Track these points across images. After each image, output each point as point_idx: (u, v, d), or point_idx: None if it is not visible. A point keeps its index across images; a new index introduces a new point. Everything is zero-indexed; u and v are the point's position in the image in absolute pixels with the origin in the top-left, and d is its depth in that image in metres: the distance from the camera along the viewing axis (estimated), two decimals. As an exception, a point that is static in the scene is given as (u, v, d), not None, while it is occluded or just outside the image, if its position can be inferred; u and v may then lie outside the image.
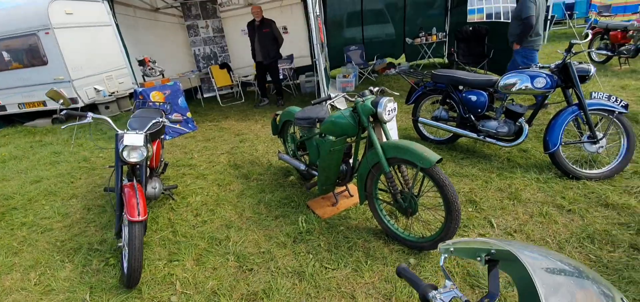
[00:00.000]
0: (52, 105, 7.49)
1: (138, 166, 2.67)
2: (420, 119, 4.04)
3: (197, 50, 8.54)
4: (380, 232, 2.52)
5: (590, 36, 3.69)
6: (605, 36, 6.85)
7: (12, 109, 7.78)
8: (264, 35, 5.54)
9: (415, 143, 2.19)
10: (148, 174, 3.00)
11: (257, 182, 3.60)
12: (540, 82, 3.05)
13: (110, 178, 2.96)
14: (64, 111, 2.71)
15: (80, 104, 7.41)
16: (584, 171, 2.93)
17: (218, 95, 7.75)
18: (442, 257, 0.94)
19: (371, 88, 2.55)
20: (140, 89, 5.52)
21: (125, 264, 2.34)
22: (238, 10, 8.94)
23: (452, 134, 3.83)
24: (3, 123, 8.00)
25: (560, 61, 3.01)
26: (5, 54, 7.39)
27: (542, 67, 3.17)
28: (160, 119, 2.85)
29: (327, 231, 2.63)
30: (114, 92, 8.17)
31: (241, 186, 3.56)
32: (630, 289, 1.85)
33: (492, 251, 0.80)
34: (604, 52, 6.88)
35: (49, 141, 6.24)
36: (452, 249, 0.87)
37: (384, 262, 2.25)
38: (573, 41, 2.96)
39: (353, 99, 2.44)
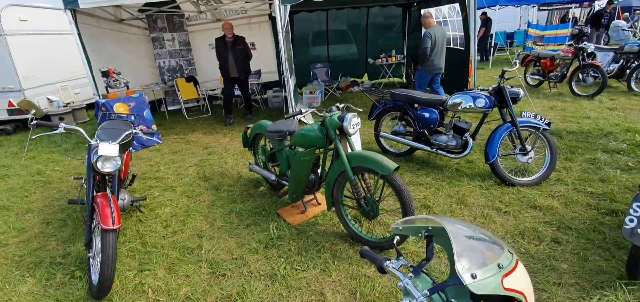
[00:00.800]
0: (2, 115, 7.00)
1: (109, 177, 2.70)
2: (381, 133, 4.40)
3: (162, 62, 8.43)
4: (346, 236, 2.76)
5: (517, 65, 4.31)
6: (538, 63, 7.83)
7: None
8: (238, 52, 5.69)
9: (376, 154, 2.47)
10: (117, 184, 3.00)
11: (227, 193, 3.70)
12: (481, 102, 3.52)
13: (79, 190, 2.93)
14: (34, 122, 2.67)
15: (30, 115, 6.97)
16: (517, 178, 3.41)
17: (183, 109, 7.69)
18: (395, 238, 1.19)
19: (337, 104, 2.82)
20: (103, 101, 5.39)
21: (94, 276, 2.35)
22: (206, 24, 9.01)
23: (409, 147, 4.22)
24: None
25: (496, 85, 3.51)
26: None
27: (482, 90, 3.66)
28: (133, 131, 2.90)
29: (297, 237, 2.81)
30: (69, 103, 7.79)
31: (211, 197, 3.64)
32: (551, 274, 2.23)
33: (429, 228, 1.06)
34: (537, 77, 7.85)
35: (-5, 154, 5.81)
36: (401, 228, 1.12)
37: (349, 261, 2.48)
38: (505, 69, 3.49)
39: (321, 114, 2.69)
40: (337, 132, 2.61)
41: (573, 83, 6.99)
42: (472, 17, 5.98)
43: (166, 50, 8.43)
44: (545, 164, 3.42)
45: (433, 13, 6.24)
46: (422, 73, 5.82)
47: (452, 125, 3.83)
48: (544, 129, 3.37)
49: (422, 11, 6.10)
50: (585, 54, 6.90)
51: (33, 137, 2.60)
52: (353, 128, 2.54)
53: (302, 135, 2.78)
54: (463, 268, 0.87)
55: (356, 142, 3.11)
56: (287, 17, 5.64)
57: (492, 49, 12.08)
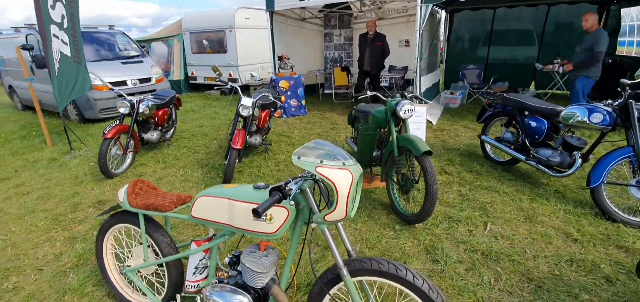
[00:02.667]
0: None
1: (248, 120, 4.12)
2: (482, 136, 4.23)
3: (328, 53, 10.19)
4: (386, 205, 3.16)
5: None
6: None
7: (199, 80, 11.21)
8: (376, 48, 6.45)
9: (418, 138, 2.78)
10: (254, 129, 4.44)
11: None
12: (597, 118, 2.97)
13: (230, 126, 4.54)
14: (219, 79, 4.40)
15: (239, 83, 10.09)
16: (624, 214, 2.75)
17: (333, 93, 9.14)
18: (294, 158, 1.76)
19: (406, 93, 3.20)
20: (274, 78, 7.36)
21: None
22: (396, 18, 10.13)
23: (511, 157, 3.90)
24: (192, 89, 11.56)
25: (622, 99, 2.87)
26: (205, 42, 10.76)
27: (608, 104, 3.03)
28: (268, 96, 4.26)
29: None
30: (262, 79, 10.66)
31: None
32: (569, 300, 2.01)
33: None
34: None
35: (214, 105, 8.92)
36: (297, 157, 1.62)
37: (374, 222, 2.93)
38: (623, 81, 2.79)
39: (387, 99, 3.16)
40: (394, 115, 3.03)
41: None
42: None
43: (333, 44, 10.12)
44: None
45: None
46: (587, 81, 5.01)
47: (562, 140, 3.35)
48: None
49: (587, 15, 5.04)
50: None
51: (216, 93, 4.27)
52: (404, 113, 2.90)
53: (372, 115, 3.34)
54: (296, 154, 1.40)
55: (418, 130, 3.37)
56: (427, 15, 5.90)
57: None
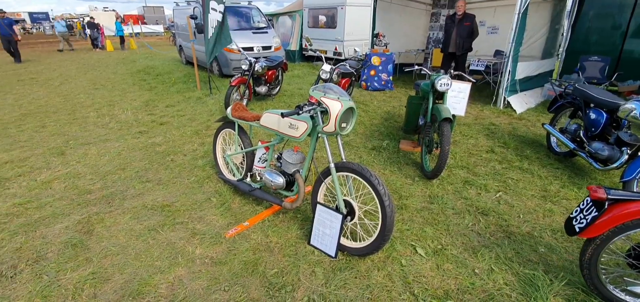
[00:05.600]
0: (330, 54, 11.74)
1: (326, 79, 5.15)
2: (546, 125, 4.22)
3: (432, 34, 10.27)
4: (417, 163, 3.78)
5: None
6: None
7: (310, 52, 12.74)
8: (464, 28, 6.45)
9: (446, 108, 3.32)
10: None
11: (388, 126, 5.34)
12: (649, 113, 2.89)
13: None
14: (310, 49, 5.54)
15: (343, 57, 11.18)
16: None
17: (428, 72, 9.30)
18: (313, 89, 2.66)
19: (451, 71, 3.67)
20: (369, 53, 8.15)
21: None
22: (481, 3, 9.72)
23: (569, 149, 3.88)
24: (304, 60, 13.19)
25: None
26: (321, 18, 12.14)
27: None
28: (346, 66, 5.19)
29: (393, 153, 4.14)
30: (364, 54, 11.48)
31: (376, 121, 5.42)
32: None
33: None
34: None
35: (317, 73, 10.24)
36: (312, 90, 2.55)
37: (405, 174, 3.62)
38: None
39: (431, 73, 3.70)
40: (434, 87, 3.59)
41: None
42: None
43: (439, 24, 10.12)
44: None
45: None
46: None
47: (617, 135, 3.27)
48: None
49: None
50: None
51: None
52: (441, 86, 3.44)
53: (421, 87, 3.93)
54: (312, 88, 2.32)
55: (459, 103, 3.78)
56: (525, -1, 5.69)
57: None
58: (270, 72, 6.47)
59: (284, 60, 7.30)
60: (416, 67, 4.03)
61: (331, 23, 11.56)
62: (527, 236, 2.56)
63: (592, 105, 3.65)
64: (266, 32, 10.07)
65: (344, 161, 2.37)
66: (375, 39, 8.38)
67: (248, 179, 3.08)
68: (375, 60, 7.95)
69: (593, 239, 1.85)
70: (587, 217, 1.83)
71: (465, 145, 4.40)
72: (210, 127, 5.10)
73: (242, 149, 3.14)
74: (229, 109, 3.16)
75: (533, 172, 3.62)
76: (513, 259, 2.31)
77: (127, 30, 22.45)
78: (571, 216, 1.96)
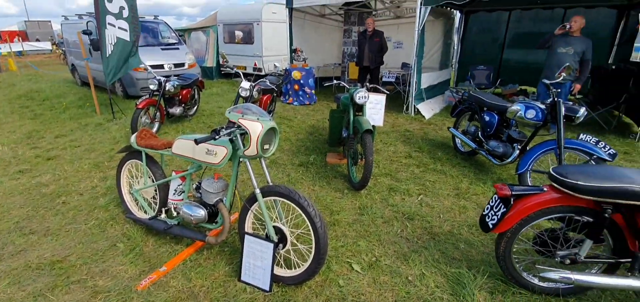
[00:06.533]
0: (249, 69, 11.47)
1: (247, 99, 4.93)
2: (451, 129, 4.70)
3: (346, 49, 10.78)
4: (342, 175, 3.82)
5: None
6: None
7: (228, 69, 12.31)
8: (374, 43, 6.96)
9: (366, 120, 3.42)
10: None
11: (313, 137, 5.35)
12: (531, 114, 3.41)
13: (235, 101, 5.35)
14: (226, 65, 5.27)
15: (263, 72, 11.02)
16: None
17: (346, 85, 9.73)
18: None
19: (367, 84, 3.82)
20: (289, 68, 8.16)
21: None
22: (387, 20, 10.60)
23: (472, 148, 4.36)
24: (222, 76, 12.67)
25: (551, 99, 3.28)
26: (237, 33, 11.81)
27: (543, 102, 3.43)
28: (266, 82, 5.04)
29: (320, 168, 4.13)
30: (284, 69, 11.50)
31: (302, 135, 5.40)
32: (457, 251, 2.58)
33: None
34: None
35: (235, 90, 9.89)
36: (228, 112, 2.37)
37: (328, 185, 3.61)
38: (545, 81, 3.23)
39: (349, 87, 3.80)
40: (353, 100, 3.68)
41: None
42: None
43: (351, 40, 10.69)
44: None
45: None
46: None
47: (508, 134, 3.78)
48: (599, 157, 2.96)
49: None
50: None
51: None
52: (359, 99, 3.54)
53: (341, 101, 4.00)
54: (228, 110, 2.13)
55: (376, 115, 3.98)
56: (426, 16, 6.34)
57: None
58: (184, 92, 5.96)
59: (200, 78, 6.83)
60: (335, 81, 4.10)
61: (248, 39, 11.34)
62: (449, 235, 2.74)
63: (485, 109, 4.18)
64: (177, 49, 9.37)
65: (271, 184, 2.22)
66: (293, 54, 8.45)
67: (163, 216, 2.69)
68: (295, 75, 7.98)
69: (504, 232, 2.03)
70: (497, 214, 2.01)
71: (386, 153, 4.63)
72: (114, 159, 4.43)
73: (153, 181, 2.75)
74: (133, 137, 2.74)
75: (446, 172, 3.96)
76: (440, 260, 2.43)
77: (3, 49, 18.72)
78: (484, 213, 2.13)
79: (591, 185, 1.75)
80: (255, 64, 11.11)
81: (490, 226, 2.03)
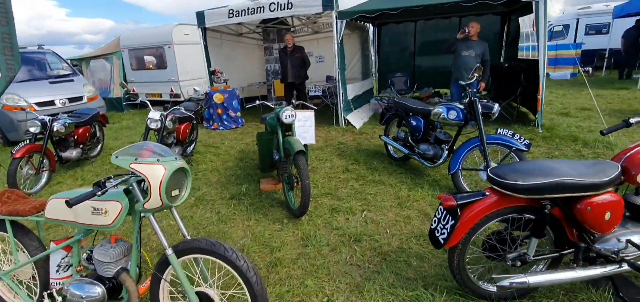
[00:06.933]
0: (165, 97, 10.42)
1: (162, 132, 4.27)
2: (382, 137, 4.72)
3: (269, 66, 10.52)
4: (278, 202, 3.48)
5: None
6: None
7: (141, 97, 11.07)
8: (296, 59, 6.86)
9: (296, 140, 3.15)
10: (172, 141, 4.60)
11: (247, 163, 4.91)
12: (452, 115, 3.52)
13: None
14: (129, 95, 4.53)
15: (182, 98, 10.11)
16: (474, 195, 3.28)
17: (273, 104, 9.44)
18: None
19: (293, 101, 3.57)
20: (209, 92, 7.55)
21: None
22: (306, 36, 10.65)
23: (404, 154, 4.41)
24: (133, 107, 11.35)
25: (468, 98, 3.44)
26: (147, 59, 10.68)
27: (461, 102, 3.60)
28: (181, 109, 4.46)
29: (255, 196, 3.72)
30: (205, 92, 10.74)
31: (232, 170, 4.92)
32: (403, 267, 2.42)
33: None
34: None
35: (154, 121, 8.87)
36: (115, 156, 1.87)
37: (273, 218, 3.24)
38: (461, 82, 3.44)
39: (274, 107, 3.51)
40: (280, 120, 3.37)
41: None
42: (541, 28, 5.29)
43: (273, 57, 10.47)
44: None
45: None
46: (458, 86, 5.81)
47: (435, 136, 3.88)
48: (518, 149, 3.13)
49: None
50: None
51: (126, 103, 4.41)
52: (286, 118, 3.26)
53: (268, 122, 3.68)
54: (115, 154, 1.65)
55: (306, 133, 3.76)
56: (342, 30, 6.42)
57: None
58: (80, 130, 5.00)
59: (101, 112, 5.86)
60: (257, 102, 3.76)
61: (161, 63, 10.35)
62: (399, 251, 2.59)
63: (411, 114, 4.26)
64: (72, 81, 8.03)
65: (188, 238, 1.77)
66: (213, 76, 7.87)
67: (46, 301, 2.02)
68: (217, 98, 7.41)
69: (456, 245, 1.91)
70: (446, 227, 1.89)
71: (323, 170, 4.42)
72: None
73: (28, 257, 2.06)
74: (-11, 203, 2.03)
75: (384, 182, 3.89)
76: (395, 283, 2.24)
77: None
78: (432, 227, 2.01)
79: (529, 183, 1.73)
80: (171, 90, 10.15)
81: (442, 242, 1.90)
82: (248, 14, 6.95)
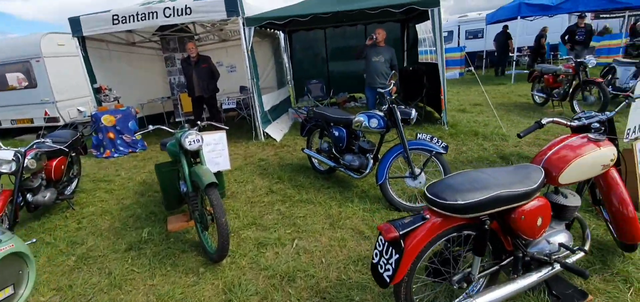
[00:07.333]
0: (39, 122, 8.46)
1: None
2: (305, 150, 4.46)
3: (173, 78, 9.40)
4: (190, 244, 2.92)
5: None
6: (542, 80, 7.08)
7: (5, 124, 8.81)
8: (202, 70, 6.17)
9: (206, 170, 2.63)
10: (38, 184, 3.53)
11: (148, 199, 4.10)
12: (374, 123, 3.44)
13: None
14: None
15: (62, 122, 8.31)
16: (403, 202, 3.24)
17: (183, 120, 8.46)
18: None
19: (199, 122, 3.03)
20: (95, 113, 6.28)
21: None
22: (213, 44, 9.85)
23: (330, 166, 4.20)
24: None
25: (387, 105, 3.39)
26: (9, 77, 8.50)
27: (380, 109, 3.55)
28: (48, 142, 3.47)
29: (163, 241, 3.05)
30: (91, 114, 9.06)
31: (131, 209, 4.07)
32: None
33: None
34: (542, 94, 7.09)
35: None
36: None
37: (186, 268, 2.65)
38: (379, 90, 3.44)
39: (173, 131, 2.92)
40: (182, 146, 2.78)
41: (575, 101, 6.21)
42: (438, 35, 5.72)
43: (177, 68, 9.37)
44: (439, 190, 3.19)
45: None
46: (372, 91, 6.00)
47: (358, 145, 3.76)
48: (437, 152, 3.17)
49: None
50: (586, 70, 6.11)
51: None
52: (190, 145, 2.70)
53: (168, 149, 3.04)
54: None
55: (218, 158, 3.27)
56: (251, 37, 5.98)
57: (513, 63, 11.16)
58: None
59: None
60: (150, 128, 3.06)
61: (29, 81, 8.37)
62: (339, 285, 2.31)
63: (332, 124, 4.07)
64: None
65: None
66: (99, 94, 6.59)
67: None
68: (107, 120, 6.22)
69: (402, 279, 1.71)
70: (391, 263, 1.67)
71: (245, 195, 3.94)
72: None
73: None
74: None
75: (313, 200, 3.61)
76: (339, 330, 1.94)
77: None
78: (374, 262, 1.77)
79: (470, 202, 1.61)
80: (46, 114, 8.28)
81: (388, 280, 1.67)
82: (138, 20, 5.97)
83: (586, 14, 10.33)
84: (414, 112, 3.31)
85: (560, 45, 14.13)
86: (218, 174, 3.29)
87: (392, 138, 3.58)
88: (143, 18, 5.94)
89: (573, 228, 2.16)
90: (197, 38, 9.46)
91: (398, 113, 3.30)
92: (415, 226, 1.68)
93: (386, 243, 1.69)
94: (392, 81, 3.77)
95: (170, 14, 5.79)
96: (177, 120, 9.21)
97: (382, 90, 3.57)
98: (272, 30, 8.84)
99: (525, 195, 1.69)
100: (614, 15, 16.19)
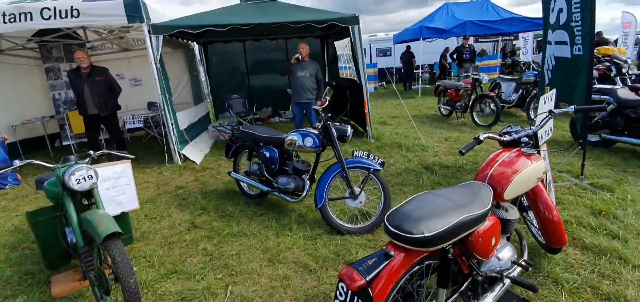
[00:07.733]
0: None
1: None
2: (232, 174, 4.00)
3: (58, 94, 7.79)
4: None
5: None
6: (446, 94, 7.89)
7: None
8: (98, 84, 5.13)
9: (104, 215, 2.03)
10: None
11: (21, 253, 3.12)
12: (309, 142, 3.23)
13: None
14: None
15: None
16: (346, 225, 3.08)
17: (73, 145, 7.02)
18: None
19: (91, 152, 2.36)
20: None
21: None
22: (112, 54, 8.49)
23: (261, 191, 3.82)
24: None
25: (322, 123, 3.22)
26: None
27: (316, 127, 3.35)
28: None
29: (42, 315, 2.28)
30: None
31: (2, 255, 3.04)
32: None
33: None
34: (447, 107, 7.90)
35: None
36: None
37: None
38: (314, 107, 3.29)
39: (52, 165, 2.21)
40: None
41: (474, 113, 7.02)
42: (359, 51, 5.88)
43: (63, 81, 7.79)
44: (379, 208, 3.12)
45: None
46: (299, 106, 5.96)
47: (293, 165, 3.50)
48: (375, 170, 3.08)
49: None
50: (481, 85, 6.99)
51: None
52: (78, 184, 2.05)
53: (46, 189, 2.30)
54: None
55: (122, 196, 2.64)
56: (160, 47, 5.25)
57: (419, 79, 12.43)
58: None
59: None
60: (17, 163, 2.25)
61: None
62: (286, 337, 1.97)
63: (262, 144, 3.72)
64: None
65: None
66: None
67: None
68: (-43, 151, 4.70)
69: (372, 327, 1.48)
70: (361, 315, 1.42)
71: (160, 234, 3.28)
72: None
73: None
74: None
75: (245, 232, 3.18)
76: None
77: None
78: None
79: (435, 233, 1.48)
80: None
81: (359, 336, 1.41)
82: (6, 22, 4.71)
83: (470, 36, 12.10)
84: (350, 129, 3.19)
85: (452, 64, 16.33)
86: (121, 216, 2.63)
87: (327, 157, 3.41)
88: (12, 20, 4.70)
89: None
90: (90, 46, 8.03)
91: (334, 131, 3.14)
92: (380, 267, 1.48)
93: (352, 294, 1.44)
94: (328, 97, 3.63)
95: (51, 16, 4.70)
96: (64, 144, 7.61)
97: (317, 108, 3.39)
98: (185, 40, 8.04)
99: (483, 216, 1.64)
100: (489, 40, 19.49)
